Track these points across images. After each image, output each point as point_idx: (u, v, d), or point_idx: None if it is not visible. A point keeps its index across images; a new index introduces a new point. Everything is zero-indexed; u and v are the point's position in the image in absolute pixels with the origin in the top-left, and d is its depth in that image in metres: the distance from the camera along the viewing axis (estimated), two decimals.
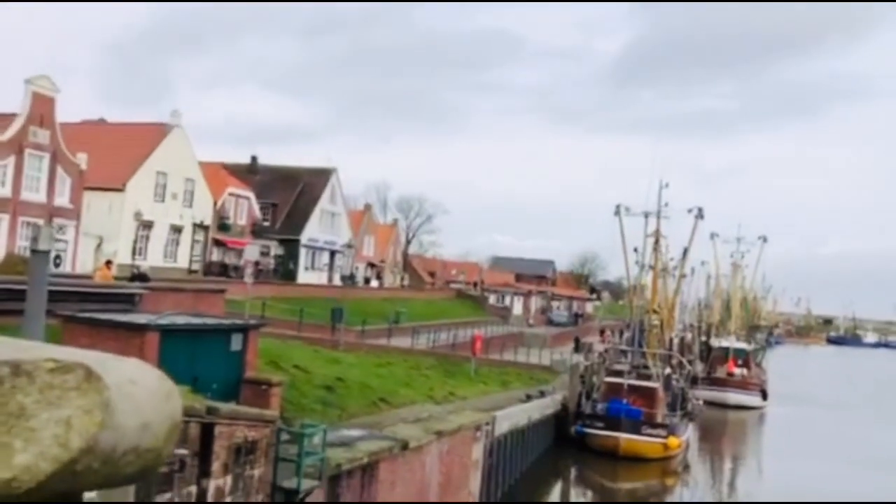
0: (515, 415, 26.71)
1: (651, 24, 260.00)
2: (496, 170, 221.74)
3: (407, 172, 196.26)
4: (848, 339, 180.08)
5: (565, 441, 32.43)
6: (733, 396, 51.93)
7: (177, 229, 45.87)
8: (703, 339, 64.47)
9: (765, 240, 67.27)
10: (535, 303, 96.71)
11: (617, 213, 40.71)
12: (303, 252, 59.52)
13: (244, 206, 54.21)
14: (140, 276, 27.58)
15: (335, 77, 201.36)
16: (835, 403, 59.35)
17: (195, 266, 47.85)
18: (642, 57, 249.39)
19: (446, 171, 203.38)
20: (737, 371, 55.29)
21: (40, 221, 35.92)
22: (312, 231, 60.43)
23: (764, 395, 54.05)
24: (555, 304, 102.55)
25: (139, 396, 1.04)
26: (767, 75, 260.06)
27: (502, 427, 24.65)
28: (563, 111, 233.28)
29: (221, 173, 53.69)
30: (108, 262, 27.47)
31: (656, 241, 42.38)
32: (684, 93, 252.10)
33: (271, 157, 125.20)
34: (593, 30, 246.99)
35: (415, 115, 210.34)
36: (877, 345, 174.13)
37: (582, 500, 30.04)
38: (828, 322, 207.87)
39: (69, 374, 0.97)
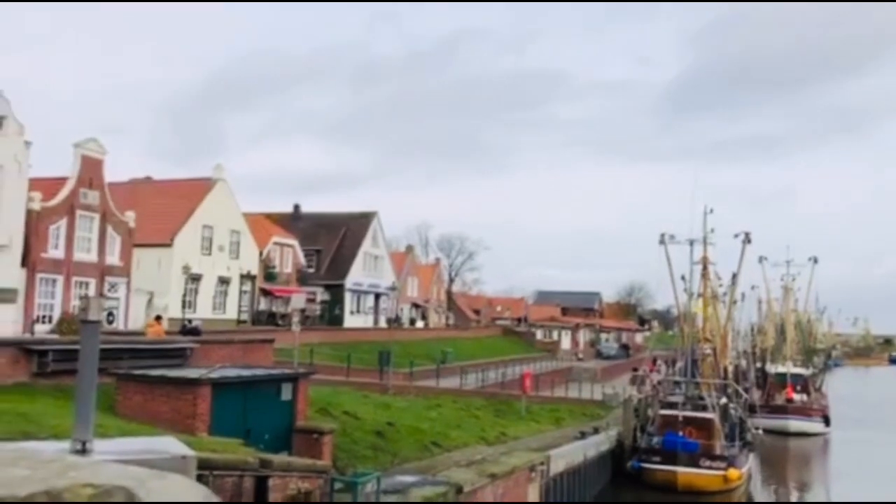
0: (570, 453, 26.24)
1: (698, 50, 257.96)
2: (539, 203, 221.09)
3: (450, 212, 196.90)
4: None
5: (622, 477, 31.71)
6: (794, 423, 50.32)
7: (224, 281, 46.57)
8: (759, 365, 62.79)
9: (815, 261, 65.63)
10: (583, 336, 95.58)
11: (662, 241, 40.21)
12: (348, 296, 59.89)
13: (289, 254, 54.89)
14: (192, 331, 28.03)
15: (378, 122, 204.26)
16: None
17: (244, 316, 48.42)
18: (689, 84, 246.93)
19: (490, 208, 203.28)
20: (796, 397, 53.66)
21: (93, 280, 36.87)
22: (356, 275, 60.84)
23: (826, 421, 52.27)
24: (603, 336, 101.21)
25: None
26: (819, 95, 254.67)
27: (558, 466, 24.23)
28: (608, 142, 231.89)
29: (265, 223, 54.54)
30: (158, 318, 27.97)
31: (704, 268, 41.68)
32: (732, 117, 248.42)
33: (316, 204, 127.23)
34: (640, 60, 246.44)
35: (458, 154, 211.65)
36: None
37: None
38: (888, 341, 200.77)
39: (109, 500, 0.96)
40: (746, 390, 49.69)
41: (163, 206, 43.63)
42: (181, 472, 3.90)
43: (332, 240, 61.01)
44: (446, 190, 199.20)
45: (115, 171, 45.41)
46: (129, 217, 39.23)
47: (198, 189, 45.63)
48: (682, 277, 41.36)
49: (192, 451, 4.77)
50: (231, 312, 46.92)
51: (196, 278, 43.66)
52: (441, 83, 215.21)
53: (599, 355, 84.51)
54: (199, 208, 44.56)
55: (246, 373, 17.84)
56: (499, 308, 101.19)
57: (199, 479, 10.27)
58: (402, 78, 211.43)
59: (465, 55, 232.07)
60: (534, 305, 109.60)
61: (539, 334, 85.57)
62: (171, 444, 4.66)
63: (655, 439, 32.49)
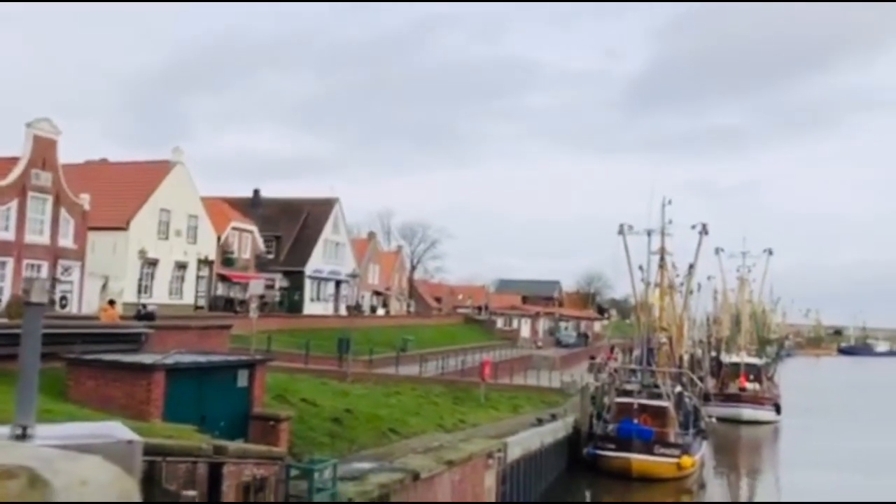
0: (527, 440, 26.47)
1: (665, 44, 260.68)
2: (505, 192, 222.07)
3: (415, 200, 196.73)
4: (859, 348, 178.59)
5: (578, 464, 32.10)
6: (746, 412, 51.47)
7: (181, 266, 45.92)
8: (714, 354, 64.05)
9: (770, 252, 67.09)
10: (543, 324, 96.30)
11: (621, 231, 40.73)
12: (308, 283, 59.47)
13: (248, 239, 54.30)
14: (146, 315, 27.58)
15: (346, 108, 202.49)
16: (850, 414, 58.80)
17: (201, 302, 47.83)
18: (655, 77, 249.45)
19: (455, 197, 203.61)
20: (749, 386, 54.83)
21: (45, 263, 36.06)
22: (317, 262, 60.42)
23: (777, 409, 53.55)
24: (563, 324, 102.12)
25: (90, 497, 0.99)
26: (783, 91, 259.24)
27: (514, 453, 24.42)
28: (575, 133, 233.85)
29: (224, 208, 53.83)
30: (112, 302, 27.49)
31: (661, 259, 42.31)
32: (696, 111, 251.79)
33: (281, 190, 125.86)
34: (608, 52, 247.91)
35: (425, 143, 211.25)
36: (889, 353, 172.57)
37: None
38: (838, 332, 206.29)
39: (11, 481, 0.93)
40: (701, 379, 50.65)
41: (119, 189, 42.80)
42: (126, 457, 3.84)
43: (292, 226, 60.45)
44: (412, 178, 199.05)
45: (74, 153, 44.39)
46: (84, 199, 38.40)
47: (155, 172, 44.83)
48: (640, 267, 41.96)
49: (140, 436, 4.70)
50: (188, 298, 46.31)
51: (152, 263, 42.98)
52: (410, 71, 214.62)
53: (558, 343, 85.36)
54: (156, 192, 43.80)
55: (202, 359, 17.64)
56: (460, 296, 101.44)
57: (152, 465, 10.13)
58: (370, 64, 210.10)
59: (435, 43, 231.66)
60: (495, 294, 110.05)
61: (499, 322, 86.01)
62: (116, 429, 4.58)
63: (611, 427, 32.94)
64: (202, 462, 11.76)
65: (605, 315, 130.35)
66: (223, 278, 50.63)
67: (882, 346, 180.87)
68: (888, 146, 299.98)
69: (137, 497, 1.14)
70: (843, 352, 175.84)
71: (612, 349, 63.88)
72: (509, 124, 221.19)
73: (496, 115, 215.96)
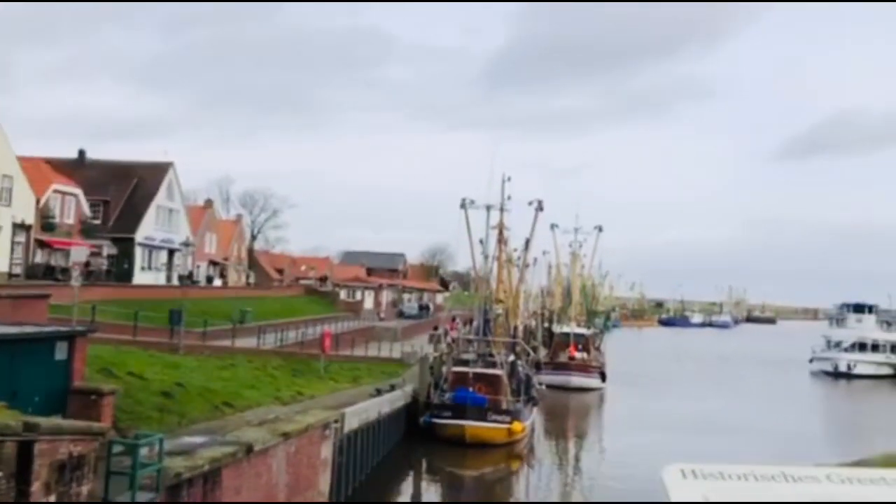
0: (365, 410, 26.66)
1: (520, 26, 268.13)
2: (355, 164, 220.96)
3: (262, 168, 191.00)
4: (677, 320, 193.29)
5: (416, 432, 32.75)
6: (575, 379, 54.43)
7: None
8: (546, 325, 67.12)
9: (600, 229, 70.84)
10: (387, 296, 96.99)
11: (463, 205, 41.62)
12: (138, 251, 56.38)
13: (71, 203, 50.65)
14: None
15: (193, 71, 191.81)
16: (665, 380, 63.84)
17: (17, 269, 44.24)
18: (509, 58, 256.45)
19: (304, 166, 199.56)
20: (577, 355, 57.94)
21: None
22: (148, 229, 57.37)
23: (603, 377, 57.03)
24: (406, 296, 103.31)
25: None
26: (625, 78, 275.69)
27: (352, 423, 24.53)
28: (427, 107, 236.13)
29: (45, 169, 49.86)
30: None
31: (500, 233, 43.65)
32: (545, 93, 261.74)
33: (115, 153, 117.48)
34: (466, 30, 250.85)
35: (274, 110, 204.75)
36: (702, 324, 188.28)
37: (433, 488, 30.35)
38: (659, 305, 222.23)
39: None
40: (534, 349, 53.07)
41: None
42: None
43: (121, 190, 56.89)
44: (256, 146, 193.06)
45: None
46: None
47: None
48: (481, 241, 43.10)
49: None
50: (1, 265, 42.67)
51: None
52: (260, 35, 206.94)
53: (401, 315, 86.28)
54: None
55: (13, 330, 16.37)
56: (303, 267, 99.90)
57: None
58: (218, 25, 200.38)
59: (289, 8, 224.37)
60: (340, 265, 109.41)
61: (343, 294, 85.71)
62: None
63: (447, 395, 33.82)
64: (10, 440, 10.95)
65: (450, 287, 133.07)
66: (43, 244, 47.03)
67: (697, 318, 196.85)
68: (708, 133, 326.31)
69: None
70: (663, 323, 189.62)
71: (453, 319, 65.47)
72: (362, 96, 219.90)
73: (349, 85, 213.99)
